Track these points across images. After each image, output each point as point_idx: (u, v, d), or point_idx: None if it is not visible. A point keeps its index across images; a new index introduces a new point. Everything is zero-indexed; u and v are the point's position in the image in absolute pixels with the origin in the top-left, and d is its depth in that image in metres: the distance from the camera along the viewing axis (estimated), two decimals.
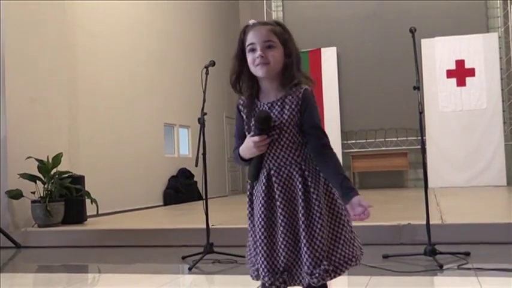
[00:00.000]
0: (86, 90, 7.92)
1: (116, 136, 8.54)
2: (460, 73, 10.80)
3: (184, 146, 11.11)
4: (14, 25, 6.36)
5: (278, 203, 1.75)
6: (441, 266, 3.62)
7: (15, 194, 6.06)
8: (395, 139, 11.55)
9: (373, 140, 11.69)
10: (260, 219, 1.77)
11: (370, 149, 11.74)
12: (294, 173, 1.76)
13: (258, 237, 1.77)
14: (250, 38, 1.79)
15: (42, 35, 6.83)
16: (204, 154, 4.30)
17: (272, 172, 1.78)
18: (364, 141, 11.75)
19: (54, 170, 6.22)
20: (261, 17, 12.23)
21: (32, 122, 6.57)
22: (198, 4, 11.73)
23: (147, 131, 9.49)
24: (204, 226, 4.36)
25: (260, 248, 1.76)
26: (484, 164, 10.53)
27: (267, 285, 1.77)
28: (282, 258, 1.75)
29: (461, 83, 10.78)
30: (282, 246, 1.74)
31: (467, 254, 3.96)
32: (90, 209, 6.50)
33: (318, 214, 1.73)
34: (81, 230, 5.98)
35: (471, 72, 10.75)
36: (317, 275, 1.71)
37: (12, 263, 5.15)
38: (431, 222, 4.05)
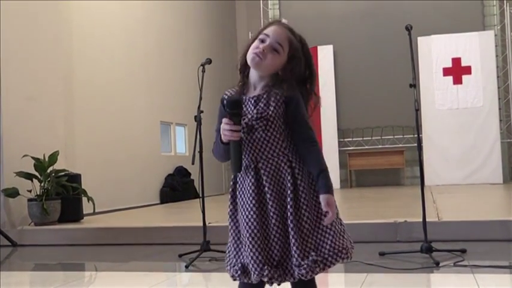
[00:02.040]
0: (82, 89, 7.90)
1: (113, 134, 8.52)
2: (457, 71, 10.81)
3: (181, 144, 11.10)
4: (10, 23, 6.34)
5: (268, 195, 1.73)
6: (437, 263, 3.63)
7: (12, 192, 6.05)
8: (392, 137, 11.56)
9: (369, 138, 11.70)
10: (252, 212, 1.73)
11: (366, 147, 11.75)
12: (283, 164, 1.74)
13: (250, 230, 1.72)
14: (269, 30, 1.80)
15: (38, 33, 6.80)
16: (200, 152, 4.29)
17: (260, 165, 1.75)
18: (361, 139, 11.76)
19: (50, 168, 6.20)
20: (256, 16, 12.22)
21: (28, 120, 6.54)
22: (195, 2, 11.70)
23: (144, 129, 9.47)
24: (201, 224, 4.36)
25: (253, 242, 1.71)
26: (480, 162, 10.55)
27: (254, 281, 1.72)
28: (275, 251, 1.72)
29: (457, 80, 10.79)
30: (275, 239, 1.72)
31: (464, 251, 3.97)
32: (86, 207, 6.49)
33: (304, 205, 1.72)
34: (78, 228, 5.97)
35: (467, 70, 10.76)
36: (305, 266, 1.68)
37: (9, 262, 5.15)
38: (427, 220, 4.07)
